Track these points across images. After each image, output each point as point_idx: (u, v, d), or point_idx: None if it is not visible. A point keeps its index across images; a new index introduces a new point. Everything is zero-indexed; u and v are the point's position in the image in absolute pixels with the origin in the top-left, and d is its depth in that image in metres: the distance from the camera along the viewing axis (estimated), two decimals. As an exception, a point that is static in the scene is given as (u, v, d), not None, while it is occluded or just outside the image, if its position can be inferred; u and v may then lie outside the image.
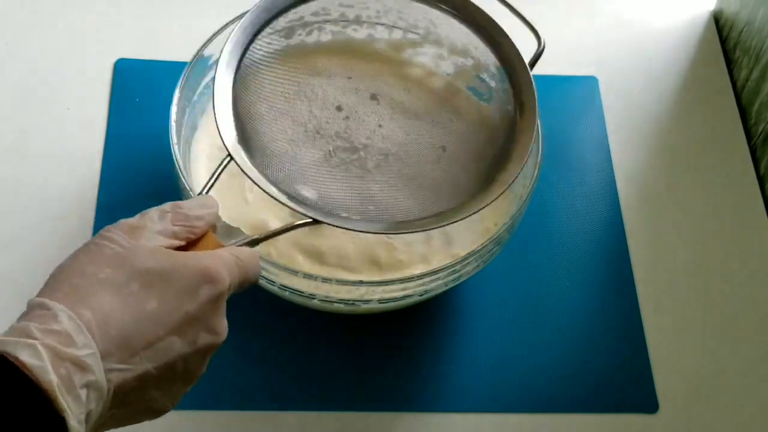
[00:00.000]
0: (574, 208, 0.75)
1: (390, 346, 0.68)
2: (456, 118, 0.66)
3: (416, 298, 0.62)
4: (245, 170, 0.54)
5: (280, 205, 0.66)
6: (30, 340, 0.37)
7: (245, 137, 0.57)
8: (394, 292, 0.61)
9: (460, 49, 0.70)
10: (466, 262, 0.60)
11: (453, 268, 0.60)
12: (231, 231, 0.49)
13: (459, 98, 0.73)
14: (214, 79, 0.58)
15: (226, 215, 0.64)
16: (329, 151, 0.63)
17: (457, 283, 0.63)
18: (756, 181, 0.78)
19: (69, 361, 0.37)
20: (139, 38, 0.81)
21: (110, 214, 0.71)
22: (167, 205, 0.47)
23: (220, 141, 0.68)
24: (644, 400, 0.67)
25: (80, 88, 0.78)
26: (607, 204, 0.76)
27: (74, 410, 0.37)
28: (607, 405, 0.67)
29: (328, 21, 0.70)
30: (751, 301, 0.72)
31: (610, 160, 0.78)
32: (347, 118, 0.64)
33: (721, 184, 0.78)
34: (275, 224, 0.65)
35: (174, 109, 0.63)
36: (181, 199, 0.63)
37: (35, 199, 0.72)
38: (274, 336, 0.67)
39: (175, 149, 0.61)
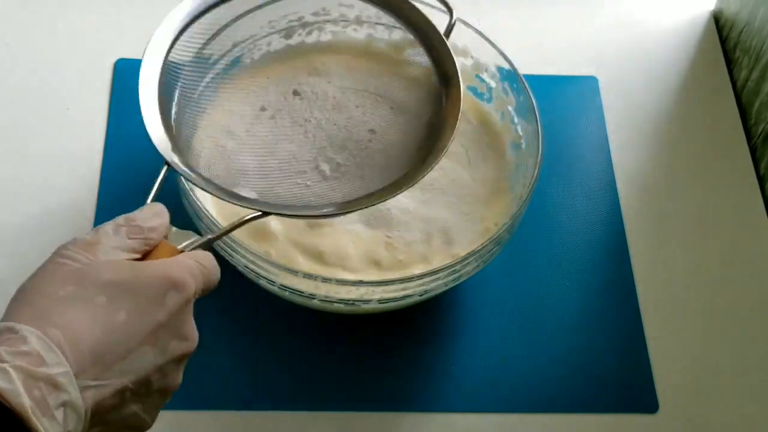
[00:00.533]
0: (574, 208, 0.75)
1: (390, 346, 0.68)
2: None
3: (416, 298, 0.62)
4: (183, 174, 0.54)
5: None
6: (0, 364, 0.36)
7: (179, 142, 0.57)
8: (394, 292, 0.61)
9: (460, 49, 0.71)
10: (466, 262, 0.60)
11: (453, 268, 0.60)
12: (183, 236, 0.48)
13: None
14: (137, 85, 0.57)
15: (226, 215, 0.65)
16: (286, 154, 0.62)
17: (457, 283, 0.63)
18: (756, 181, 0.78)
19: (42, 382, 0.37)
20: (139, 38, 0.81)
21: (110, 214, 0.71)
22: (120, 219, 0.46)
23: (216, 141, 0.69)
24: (644, 400, 0.67)
25: (80, 88, 0.78)
26: (607, 204, 0.76)
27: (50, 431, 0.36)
28: (607, 405, 0.67)
29: (328, 21, 0.70)
30: (751, 300, 0.72)
31: (610, 160, 0.78)
32: (299, 101, 0.64)
33: (721, 184, 0.78)
34: (275, 224, 0.65)
35: (174, 109, 0.63)
36: (180, 199, 0.63)
37: (35, 199, 0.72)
38: (274, 336, 0.67)
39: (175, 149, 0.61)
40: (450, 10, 0.63)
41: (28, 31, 0.80)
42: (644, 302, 0.71)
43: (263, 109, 0.65)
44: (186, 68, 0.61)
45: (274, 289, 0.61)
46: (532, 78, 0.68)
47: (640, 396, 0.67)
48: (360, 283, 0.59)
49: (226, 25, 0.65)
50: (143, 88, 0.56)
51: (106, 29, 0.81)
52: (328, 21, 0.70)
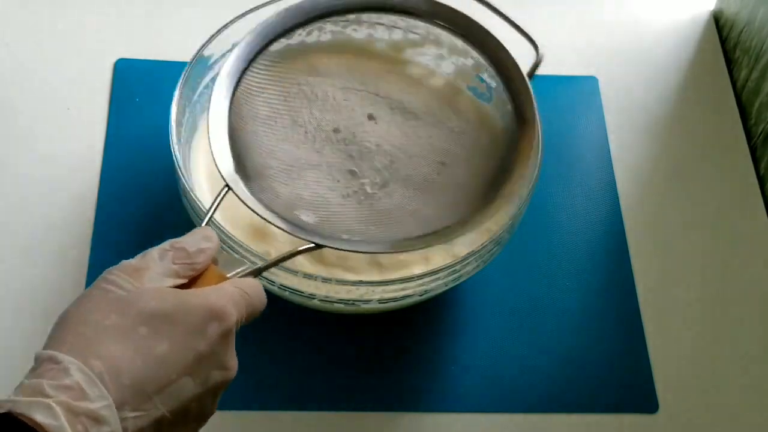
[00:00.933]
0: (574, 208, 0.75)
1: (390, 346, 0.68)
2: (457, 123, 0.66)
3: (416, 298, 0.62)
4: (244, 200, 0.54)
5: (280, 204, 0.66)
6: (44, 399, 0.37)
7: (241, 164, 0.57)
8: (394, 292, 0.61)
9: (461, 49, 0.70)
10: (466, 262, 0.60)
11: (453, 268, 0.60)
12: (233, 261, 0.48)
13: (460, 98, 0.73)
14: (208, 108, 0.58)
15: (225, 215, 0.65)
16: (329, 173, 0.63)
17: (457, 283, 0.63)
18: (756, 181, 0.78)
19: (84, 416, 0.37)
20: (139, 38, 0.81)
21: (110, 214, 0.71)
22: (167, 244, 0.46)
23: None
24: (644, 400, 0.67)
25: (80, 88, 0.78)
26: (607, 204, 0.76)
27: None
28: (607, 405, 0.67)
29: (329, 21, 0.70)
30: (751, 300, 0.72)
31: (610, 160, 0.78)
32: (344, 139, 0.64)
33: (721, 184, 0.78)
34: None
35: (174, 109, 0.63)
36: (180, 198, 0.63)
37: (35, 199, 0.72)
38: (273, 336, 0.67)
39: (175, 149, 0.61)
40: (536, 49, 0.63)
41: (28, 31, 0.80)
42: (644, 302, 0.71)
43: (336, 130, 0.65)
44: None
45: (274, 289, 0.61)
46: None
47: (640, 396, 0.67)
48: (360, 283, 0.59)
49: (226, 25, 0.65)
50: (214, 112, 0.57)
51: (106, 29, 0.81)
52: (328, 21, 0.70)
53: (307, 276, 0.58)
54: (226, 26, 0.66)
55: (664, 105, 0.82)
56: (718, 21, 0.88)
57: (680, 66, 0.85)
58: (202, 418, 0.44)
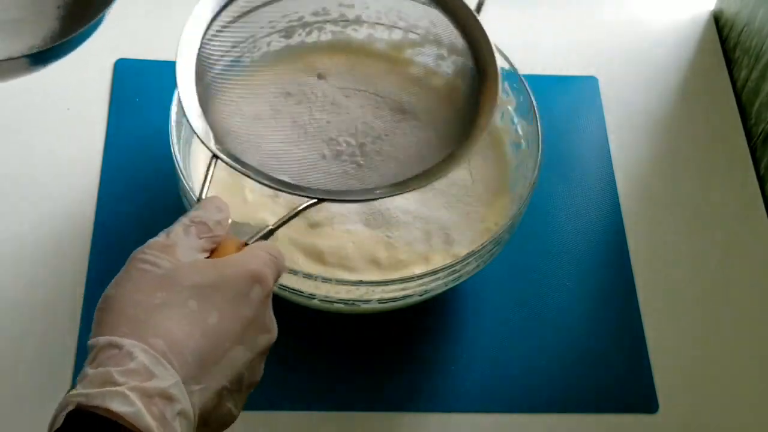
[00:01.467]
0: (574, 208, 0.75)
1: (390, 346, 0.68)
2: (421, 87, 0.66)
3: (416, 298, 0.62)
4: (234, 167, 0.54)
5: (278, 203, 0.66)
6: (116, 388, 0.37)
7: (221, 135, 0.56)
8: (394, 292, 0.61)
9: (461, 49, 0.70)
10: (466, 262, 0.60)
11: (453, 268, 0.60)
12: (240, 227, 0.49)
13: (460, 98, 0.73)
14: (175, 79, 0.57)
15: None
16: (320, 151, 0.62)
17: (457, 283, 0.63)
18: (756, 181, 0.78)
19: (157, 397, 0.37)
20: (139, 38, 0.81)
21: (110, 214, 0.71)
22: (186, 219, 0.46)
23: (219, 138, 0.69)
24: (644, 400, 0.67)
25: (80, 88, 0.78)
26: (607, 204, 0.76)
27: None
28: (607, 405, 0.67)
29: (328, 21, 0.70)
30: (751, 300, 0.72)
31: (610, 160, 0.78)
32: (330, 103, 0.64)
33: (721, 184, 0.78)
34: (274, 222, 0.65)
35: (174, 109, 0.63)
36: (180, 198, 0.63)
37: (35, 199, 0.72)
38: (274, 336, 0.67)
39: (175, 149, 0.61)
40: None
41: (28, 31, 0.80)
42: (644, 302, 0.71)
43: (273, 108, 0.65)
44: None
45: (274, 288, 0.61)
46: (532, 78, 0.68)
47: (640, 396, 0.67)
48: (360, 283, 0.59)
49: (226, 25, 0.65)
50: (181, 79, 0.56)
51: (106, 29, 0.81)
52: (328, 21, 0.70)
53: (307, 276, 0.58)
54: (226, 26, 0.65)
55: (664, 105, 0.82)
56: (718, 21, 0.88)
57: (680, 66, 0.85)
58: (254, 383, 0.45)
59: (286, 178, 0.55)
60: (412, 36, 0.69)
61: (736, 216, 0.76)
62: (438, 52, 0.70)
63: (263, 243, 0.48)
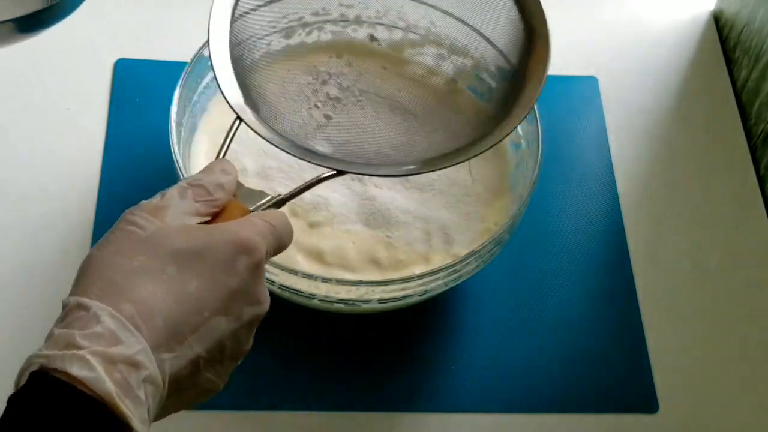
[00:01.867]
0: (574, 208, 0.75)
1: (390, 346, 0.68)
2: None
3: (416, 298, 0.62)
4: (256, 129, 0.52)
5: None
6: (77, 351, 0.36)
7: (250, 98, 0.55)
8: (394, 292, 0.61)
9: (460, 49, 0.70)
10: (466, 262, 0.60)
11: (453, 268, 0.60)
12: (253, 194, 0.47)
13: (460, 98, 0.73)
14: (208, 40, 0.56)
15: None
16: (333, 104, 0.61)
17: (457, 283, 0.63)
18: (756, 181, 0.78)
19: (121, 363, 0.36)
20: (139, 38, 0.81)
21: (110, 214, 0.71)
22: (184, 182, 0.44)
23: (219, 138, 0.69)
24: (644, 400, 0.67)
25: (80, 88, 0.78)
26: (607, 204, 0.76)
27: (135, 412, 0.36)
28: (607, 405, 0.67)
29: (328, 21, 0.70)
30: (751, 300, 0.72)
31: (610, 160, 0.78)
32: (351, 66, 0.63)
33: (721, 184, 0.78)
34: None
35: (174, 109, 0.63)
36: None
37: (35, 199, 0.72)
38: (273, 336, 0.67)
39: (175, 149, 0.61)
40: None
41: (28, 31, 0.80)
42: (644, 302, 0.71)
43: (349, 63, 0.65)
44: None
45: (274, 289, 0.61)
46: (532, 78, 0.68)
47: (640, 396, 0.67)
48: (360, 283, 0.59)
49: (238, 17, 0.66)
50: (214, 44, 0.55)
51: (106, 29, 0.81)
52: (328, 21, 0.70)
53: (307, 276, 0.58)
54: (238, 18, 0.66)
55: (664, 105, 0.82)
56: (718, 21, 0.88)
57: (680, 66, 0.85)
58: (239, 354, 0.43)
59: (313, 147, 0.53)
60: (412, 36, 0.69)
61: (736, 216, 0.76)
62: (438, 52, 0.70)
63: (268, 211, 0.46)
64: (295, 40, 0.70)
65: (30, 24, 0.63)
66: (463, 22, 0.64)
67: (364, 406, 0.65)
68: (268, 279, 0.60)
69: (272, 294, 0.62)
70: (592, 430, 0.66)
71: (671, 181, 0.78)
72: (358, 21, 0.69)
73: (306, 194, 0.66)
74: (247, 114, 0.53)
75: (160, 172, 0.71)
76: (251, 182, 0.67)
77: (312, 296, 0.61)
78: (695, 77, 0.84)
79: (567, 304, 0.71)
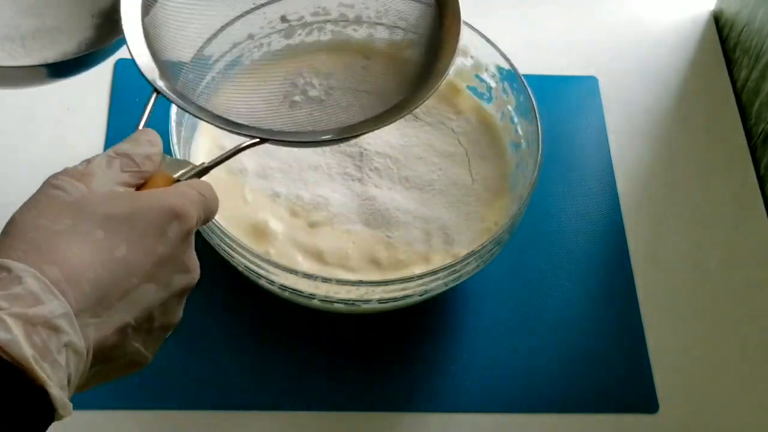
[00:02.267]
0: (574, 207, 0.75)
1: (390, 345, 0.68)
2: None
3: (416, 298, 0.62)
4: (171, 98, 0.50)
5: (279, 203, 0.66)
6: None
7: (165, 65, 0.53)
8: (394, 292, 0.61)
9: (460, 49, 0.70)
10: (466, 262, 0.60)
11: (453, 268, 0.60)
12: (177, 164, 0.46)
13: (460, 98, 0.73)
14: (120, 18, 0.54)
15: (225, 215, 0.65)
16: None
17: (457, 283, 0.63)
18: (756, 181, 0.78)
19: (41, 326, 0.35)
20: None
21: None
22: (111, 151, 0.43)
23: (220, 139, 0.69)
24: (644, 400, 0.67)
25: (80, 88, 0.78)
26: (607, 204, 0.76)
27: (54, 378, 0.35)
28: (607, 405, 0.67)
29: (329, 21, 0.70)
30: (751, 300, 0.72)
31: (610, 160, 0.78)
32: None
33: (721, 184, 0.78)
34: (275, 224, 0.65)
35: (174, 109, 0.63)
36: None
37: (35, 199, 0.72)
38: (273, 336, 0.67)
39: (175, 149, 0.61)
40: None
41: (28, 31, 0.80)
42: (644, 302, 0.71)
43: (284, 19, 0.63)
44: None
45: (274, 289, 0.61)
46: (532, 78, 0.68)
47: (640, 396, 0.67)
48: (360, 283, 0.59)
49: (226, 25, 0.65)
50: (126, 19, 0.54)
51: (106, 29, 0.81)
52: (328, 21, 0.70)
53: (307, 276, 0.58)
54: (225, 26, 0.66)
55: (664, 105, 0.82)
56: (718, 21, 0.88)
57: (680, 66, 0.85)
58: (168, 326, 0.42)
59: (232, 118, 0.51)
60: (411, 36, 0.69)
61: (736, 216, 0.76)
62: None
63: (195, 181, 0.45)
64: (295, 40, 0.70)
65: (62, 69, 0.61)
66: None
67: (364, 406, 0.65)
68: (268, 279, 0.60)
69: (272, 294, 0.63)
70: (592, 430, 0.66)
71: (671, 181, 0.78)
72: (358, 21, 0.69)
73: (306, 194, 0.67)
74: (162, 82, 0.51)
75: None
76: (251, 182, 0.67)
77: (312, 296, 0.61)
78: (695, 77, 0.84)
79: (567, 304, 0.71)
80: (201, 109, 0.51)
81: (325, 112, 0.60)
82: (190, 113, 0.51)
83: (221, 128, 0.50)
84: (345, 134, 0.52)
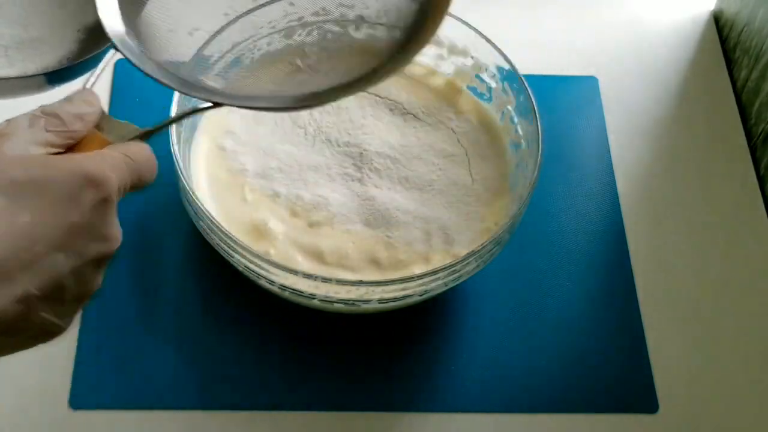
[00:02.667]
0: (574, 208, 0.75)
1: (390, 345, 0.68)
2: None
3: (416, 298, 0.62)
4: (132, 59, 0.47)
5: (278, 203, 0.66)
6: None
7: (137, 25, 0.51)
8: (394, 292, 0.61)
9: (461, 49, 0.71)
10: (466, 262, 0.60)
11: (453, 268, 0.60)
12: (120, 127, 0.43)
13: (460, 98, 0.73)
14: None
15: (225, 215, 0.65)
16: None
17: (457, 283, 0.63)
18: (756, 181, 0.78)
19: None
20: (139, 38, 0.81)
21: (110, 214, 0.71)
22: (38, 110, 0.41)
23: (220, 139, 0.69)
24: (644, 400, 0.67)
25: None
26: (607, 204, 0.76)
27: None
28: (607, 405, 0.67)
29: (328, 21, 0.69)
30: (752, 300, 0.72)
31: (610, 160, 0.78)
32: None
33: (721, 184, 0.78)
34: (275, 224, 0.65)
35: (174, 109, 0.63)
36: (180, 198, 0.63)
37: (35, 199, 0.71)
38: (273, 336, 0.67)
39: (175, 149, 0.61)
40: None
41: (28, 31, 0.80)
42: (644, 302, 0.71)
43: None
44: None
45: (274, 289, 0.61)
46: (532, 78, 0.68)
47: (640, 396, 0.67)
48: (360, 283, 0.59)
49: (226, 25, 0.65)
50: None
51: (106, 29, 0.81)
52: (328, 21, 0.70)
53: (307, 276, 0.58)
54: (225, 26, 0.66)
55: (664, 105, 0.82)
56: (718, 21, 0.88)
57: (680, 66, 0.85)
58: (84, 294, 0.40)
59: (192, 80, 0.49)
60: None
61: (736, 216, 0.76)
62: (438, 52, 0.70)
63: (129, 143, 0.42)
64: (295, 40, 0.70)
65: (57, 77, 0.61)
66: None
67: (364, 406, 0.65)
68: (268, 279, 0.60)
69: (272, 294, 0.63)
70: (592, 430, 0.66)
71: (671, 181, 0.78)
72: (358, 21, 0.69)
73: (306, 194, 0.67)
74: (126, 45, 0.48)
75: (160, 172, 0.71)
76: (251, 182, 0.67)
77: (312, 296, 0.61)
78: (695, 77, 0.84)
79: (567, 304, 0.71)
80: (162, 69, 0.48)
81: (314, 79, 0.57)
82: (146, 73, 0.48)
83: (178, 90, 0.48)
84: (308, 102, 0.49)
